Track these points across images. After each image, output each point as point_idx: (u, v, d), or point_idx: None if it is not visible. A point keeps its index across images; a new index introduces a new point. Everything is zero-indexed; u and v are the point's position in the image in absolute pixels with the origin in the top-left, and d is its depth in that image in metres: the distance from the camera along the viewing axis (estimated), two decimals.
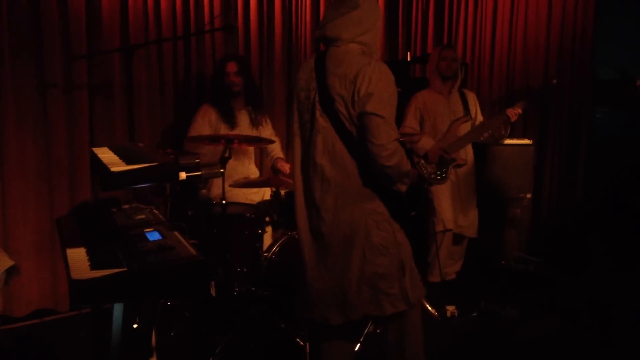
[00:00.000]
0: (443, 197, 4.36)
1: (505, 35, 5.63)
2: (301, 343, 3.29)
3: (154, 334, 2.81)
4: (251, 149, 4.34)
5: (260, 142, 4.02)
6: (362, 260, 2.44)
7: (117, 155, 2.45)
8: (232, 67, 4.11)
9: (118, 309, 2.32)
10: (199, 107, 4.23)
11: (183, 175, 2.22)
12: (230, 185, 3.84)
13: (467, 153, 4.44)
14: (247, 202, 4.01)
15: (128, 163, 2.25)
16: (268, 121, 4.35)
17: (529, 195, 5.16)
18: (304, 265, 2.56)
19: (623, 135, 4.60)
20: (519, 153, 5.07)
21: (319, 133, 2.43)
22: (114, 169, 2.13)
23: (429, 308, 3.92)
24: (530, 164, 5.17)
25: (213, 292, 3.28)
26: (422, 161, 4.28)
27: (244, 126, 4.15)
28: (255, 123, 4.19)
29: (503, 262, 5.04)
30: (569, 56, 5.68)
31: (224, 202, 3.38)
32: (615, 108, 5.40)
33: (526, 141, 5.15)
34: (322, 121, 2.42)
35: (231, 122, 4.12)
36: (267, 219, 3.77)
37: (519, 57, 5.66)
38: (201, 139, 3.64)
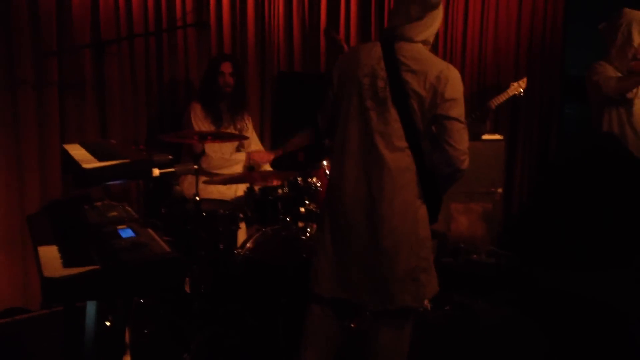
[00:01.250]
0: None
1: (477, 32, 5.69)
2: (276, 341, 3.30)
3: (127, 331, 2.80)
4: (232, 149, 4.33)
5: (234, 139, 4.03)
6: (409, 253, 2.49)
7: (89, 152, 2.44)
8: (227, 67, 4.12)
9: (91, 307, 2.32)
10: (182, 104, 4.23)
11: (156, 172, 2.21)
12: (205, 182, 3.84)
13: None
14: (221, 198, 4.01)
15: (100, 160, 2.24)
16: (249, 125, 4.37)
17: (500, 190, 5.23)
18: (349, 246, 2.55)
19: (592, 130, 4.71)
20: (490, 148, 5.13)
21: (388, 124, 2.46)
22: (86, 165, 2.12)
23: None
24: (501, 158, 5.24)
25: (187, 289, 3.27)
26: None
27: (227, 129, 4.17)
28: (236, 128, 4.22)
29: (475, 256, 5.10)
30: (539, 52, 5.76)
31: (197, 198, 3.37)
32: (585, 103, 5.51)
33: (497, 136, 5.22)
34: (393, 113, 2.45)
35: (217, 123, 4.12)
36: (241, 215, 3.77)
37: (490, 55, 5.72)
38: (173, 136, 3.63)
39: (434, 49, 5.59)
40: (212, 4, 4.62)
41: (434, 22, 2.51)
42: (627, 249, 1.09)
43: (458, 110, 2.42)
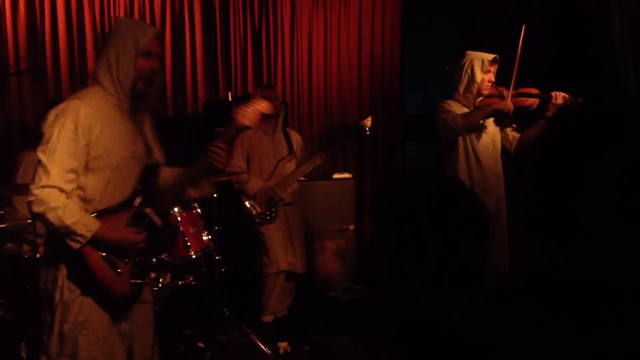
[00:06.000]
0: (275, 238, 4.39)
1: (321, 75, 5.87)
2: None
3: None
4: None
5: None
6: None
7: None
8: None
9: None
10: (18, 151, 3.96)
11: None
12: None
13: (293, 190, 4.54)
14: None
15: None
16: None
17: (352, 227, 5.37)
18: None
19: (435, 166, 4.98)
20: (339, 186, 5.26)
21: None
22: None
23: (262, 347, 3.91)
24: (351, 196, 5.39)
25: (24, 354, 3.01)
26: (252, 202, 4.32)
27: None
28: None
29: (331, 293, 5.17)
30: (380, 93, 6.05)
31: (38, 255, 3.14)
32: (423, 141, 5.83)
33: (346, 175, 5.37)
34: None
35: None
36: None
37: (335, 96, 5.92)
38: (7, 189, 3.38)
39: (282, 92, 5.69)
40: (48, 49, 4.42)
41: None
42: (469, 272, 1.14)
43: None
